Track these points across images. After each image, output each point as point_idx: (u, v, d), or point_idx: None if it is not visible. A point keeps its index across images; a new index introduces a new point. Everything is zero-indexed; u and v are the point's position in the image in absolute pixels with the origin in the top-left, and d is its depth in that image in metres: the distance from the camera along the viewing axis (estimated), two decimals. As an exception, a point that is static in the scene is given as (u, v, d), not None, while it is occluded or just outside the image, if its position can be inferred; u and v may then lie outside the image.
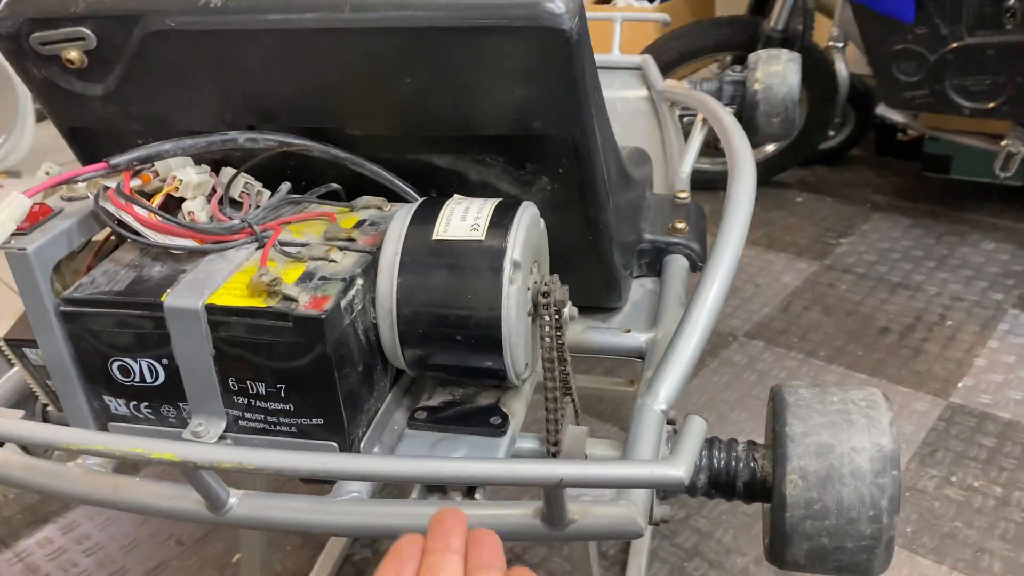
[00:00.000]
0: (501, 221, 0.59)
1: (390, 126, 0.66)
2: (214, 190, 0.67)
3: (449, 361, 0.61)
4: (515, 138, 0.65)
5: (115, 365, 0.61)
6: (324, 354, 0.56)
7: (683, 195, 0.93)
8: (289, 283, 0.58)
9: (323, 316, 0.55)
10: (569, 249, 0.73)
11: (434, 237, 0.59)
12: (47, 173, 0.67)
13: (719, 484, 0.65)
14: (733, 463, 0.64)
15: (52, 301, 0.60)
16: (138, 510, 0.63)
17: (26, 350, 0.65)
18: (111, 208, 0.60)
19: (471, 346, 0.58)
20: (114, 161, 0.61)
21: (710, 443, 0.66)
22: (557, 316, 0.63)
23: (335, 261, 0.61)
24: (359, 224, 0.66)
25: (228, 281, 0.59)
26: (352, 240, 0.63)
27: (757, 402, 1.59)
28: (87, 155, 0.75)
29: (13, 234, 0.60)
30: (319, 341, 0.56)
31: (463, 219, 0.60)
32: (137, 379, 0.61)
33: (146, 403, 0.62)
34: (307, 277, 0.59)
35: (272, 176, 0.71)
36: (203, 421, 0.61)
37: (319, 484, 0.65)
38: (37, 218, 0.61)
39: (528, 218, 0.60)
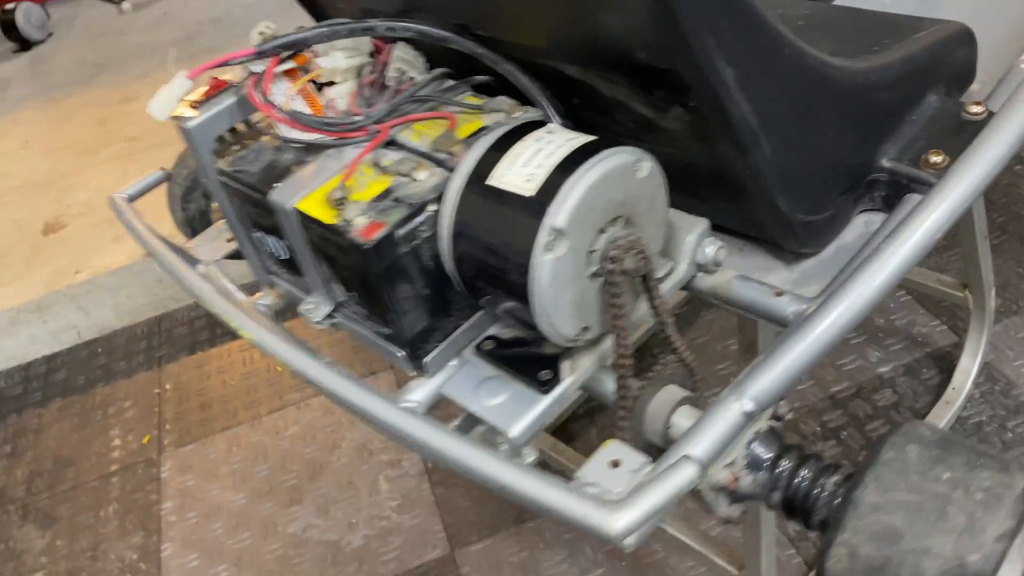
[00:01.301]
0: (561, 175, 0.52)
1: (506, 30, 0.60)
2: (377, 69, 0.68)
3: (499, 309, 0.58)
4: (632, 63, 0.54)
5: (255, 234, 0.69)
6: (377, 276, 0.57)
7: (976, 110, 0.70)
8: (365, 200, 0.59)
9: (367, 246, 0.56)
10: (726, 182, 0.62)
11: (488, 181, 0.54)
12: (261, 33, 0.74)
13: (792, 509, 0.55)
14: (816, 491, 0.54)
15: (213, 167, 0.68)
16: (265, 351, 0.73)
17: (222, 197, 0.76)
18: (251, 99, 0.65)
19: (513, 303, 0.55)
20: (261, 48, 0.65)
21: (802, 459, 0.56)
22: (647, 282, 0.56)
23: (417, 180, 0.60)
24: (478, 132, 0.63)
25: (327, 183, 0.62)
26: (451, 155, 0.60)
27: None
28: (311, 8, 0.81)
29: (192, 104, 0.68)
30: (369, 265, 0.57)
31: (526, 164, 0.54)
32: (271, 251, 0.69)
33: (284, 269, 0.70)
34: (386, 194, 0.59)
35: (442, 63, 0.69)
36: (315, 300, 0.67)
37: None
38: (211, 92, 0.69)
39: (598, 173, 0.52)
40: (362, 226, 0.57)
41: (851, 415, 1.30)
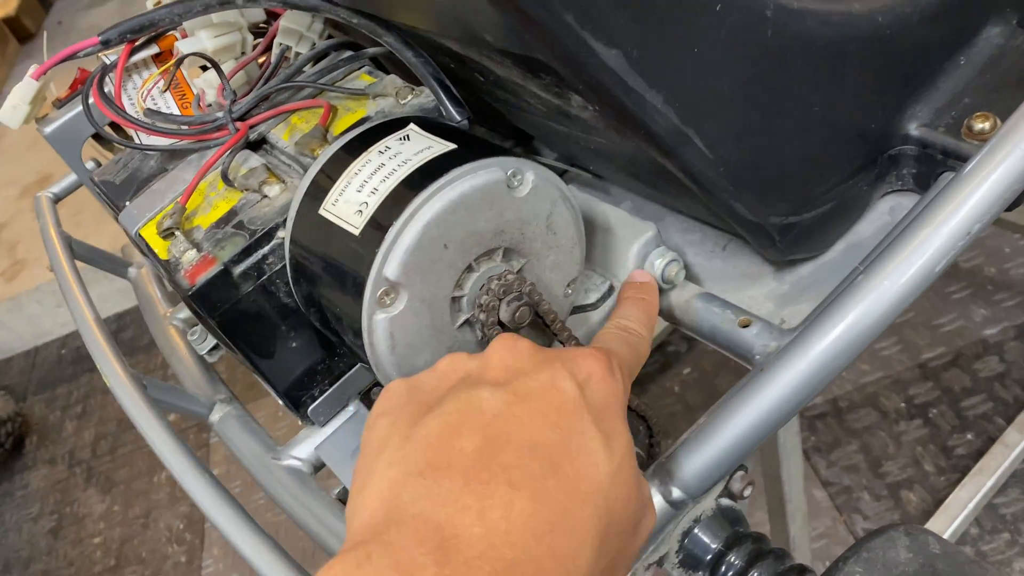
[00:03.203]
0: (395, 206, 0.39)
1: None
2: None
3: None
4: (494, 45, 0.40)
5: (139, 250, 0.59)
6: (216, 324, 0.47)
7: (1053, 47, 0.50)
8: (205, 226, 0.48)
9: (191, 291, 0.45)
10: (675, 179, 0.47)
11: (321, 208, 0.42)
12: (156, 3, 0.63)
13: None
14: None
15: (86, 175, 0.59)
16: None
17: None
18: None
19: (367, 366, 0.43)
20: (104, 36, 0.54)
21: (757, 555, 0.43)
22: (547, 324, 0.43)
23: (268, 197, 0.48)
24: (356, 125, 0.50)
25: (174, 201, 0.51)
26: (315, 160, 0.48)
27: None
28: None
29: (56, 102, 0.59)
30: (201, 312, 0.46)
31: (361, 188, 0.41)
32: (154, 269, 0.59)
33: (178, 288, 0.61)
34: (229, 217, 0.48)
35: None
36: (200, 329, 0.58)
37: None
38: (77, 85, 0.59)
39: (443, 203, 0.38)
40: (189, 264, 0.46)
41: (944, 388, 1.10)
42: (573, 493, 0.31)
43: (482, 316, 0.41)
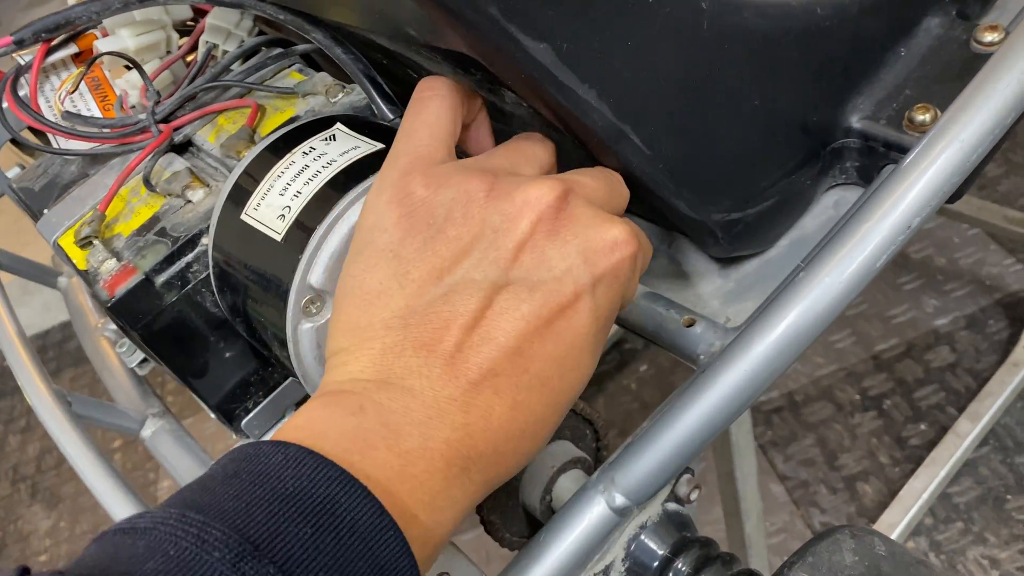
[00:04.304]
0: (319, 210, 0.37)
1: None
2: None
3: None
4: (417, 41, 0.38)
5: (63, 260, 0.57)
6: (140, 337, 0.45)
7: (990, 38, 0.49)
8: (127, 234, 0.46)
9: (110, 303, 0.43)
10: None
11: (242, 215, 0.40)
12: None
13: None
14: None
15: (4, 180, 0.57)
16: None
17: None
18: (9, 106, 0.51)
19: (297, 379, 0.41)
20: (17, 36, 0.51)
21: (705, 560, 0.42)
22: None
23: (191, 202, 0.46)
24: (285, 124, 0.48)
25: (93, 208, 0.48)
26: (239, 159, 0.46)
27: None
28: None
29: (-30, 107, 0.56)
30: (122, 325, 0.44)
31: (284, 191, 0.39)
32: (80, 279, 0.57)
33: (107, 298, 0.58)
34: (151, 224, 0.46)
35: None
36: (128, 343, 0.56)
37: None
38: (-8, 88, 0.56)
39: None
40: (108, 275, 0.44)
41: (898, 380, 1.11)
42: (553, 404, 0.32)
43: (415, 323, 0.40)
